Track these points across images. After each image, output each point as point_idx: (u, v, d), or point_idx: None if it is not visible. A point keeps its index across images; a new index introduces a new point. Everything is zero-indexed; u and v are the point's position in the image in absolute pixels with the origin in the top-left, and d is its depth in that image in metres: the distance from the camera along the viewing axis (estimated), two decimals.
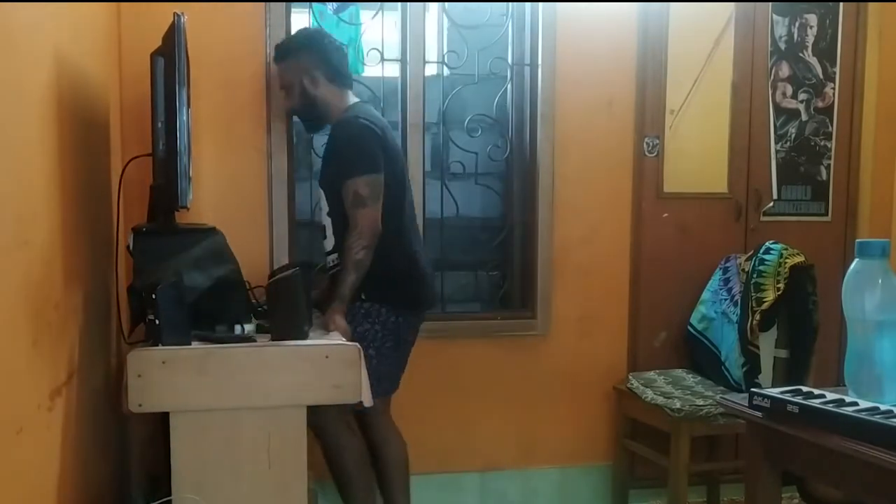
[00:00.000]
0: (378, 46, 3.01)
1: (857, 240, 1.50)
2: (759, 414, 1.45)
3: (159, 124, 1.94)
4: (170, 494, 1.81)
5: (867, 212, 3.31)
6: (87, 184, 2.01)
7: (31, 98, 1.57)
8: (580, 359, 3.13)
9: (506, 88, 3.15)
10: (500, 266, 3.28)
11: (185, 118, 1.93)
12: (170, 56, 1.92)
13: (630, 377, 3.01)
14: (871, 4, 3.27)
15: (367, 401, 2.01)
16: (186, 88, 2.40)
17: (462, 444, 3.08)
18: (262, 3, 2.79)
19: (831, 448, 1.31)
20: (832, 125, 3.30)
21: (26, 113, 1.53)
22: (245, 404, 1.84)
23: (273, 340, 1.90)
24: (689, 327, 3.07)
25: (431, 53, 3.09)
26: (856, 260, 1.46)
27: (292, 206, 2.91)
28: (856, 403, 1.35)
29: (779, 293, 2.74)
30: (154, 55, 1.97)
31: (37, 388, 1.55)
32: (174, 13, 1.95)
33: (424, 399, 3.02)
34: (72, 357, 1.81)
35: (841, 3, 3.27)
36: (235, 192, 2.82)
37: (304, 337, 1.93)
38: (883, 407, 1.30)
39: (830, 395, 1.40)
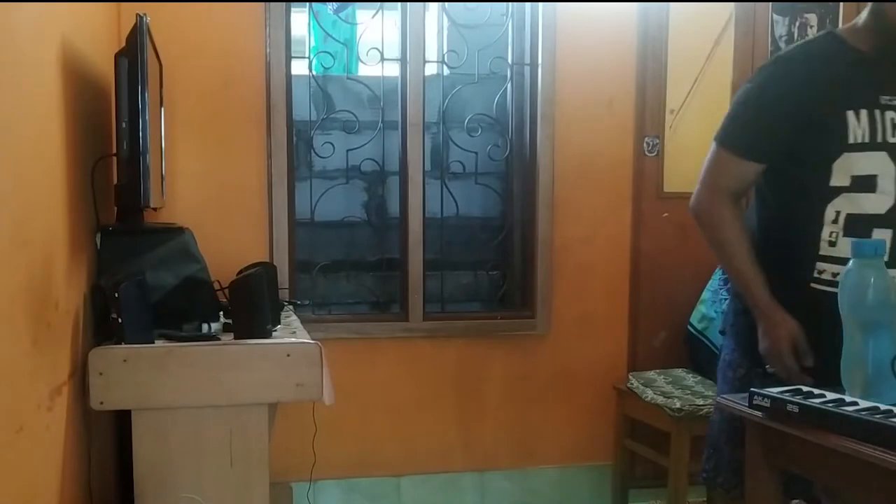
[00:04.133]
0: (378, 46, 3.01)
1: (853, 239, 1.51)
2: (759, 414, 1.45)
3: (123, 124, 1.94)
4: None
5: None
6: (87, 183, 2.00)
7: (33, 98, 1.57)
8: (580, 359, 3.13)
9: (506, 88, 3.15)
10: (500, 266, 3.29)
11: (147, 118, 1.94)
12: (133, 57, 1.93)
13: (630, 377, 3.00)
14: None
15: (329, 399, 1.99)
16: (159, 88, 2.43)
17: (462, 444, 3.08)
18: (262, 3, 2.79)
19: (831, 448, 1.31)
20: None
21: (27, 113, 1.53)
22: (207, 402, 1.84)
23: (236, 339, 1.90)
24: (689, 327, 3.07)
25: (431, 53, 3.09)
26: (851, 260, 1.47)
27: (292, 206, 2.91)
28: (856, 403, 1.35)
29: None
30: (118, 56, 1.97)
31: (37, 388, 1.55)
32: (136, 14, 1.95)
33: (424, 399, 3.02)
34: (72, 357, 1.81)
35: (841, 3, 3.27)
36: (235, 191, 2.82)
37: (267, 335, 1.93)
38: (883, 407, 1.30)
39: (830, 395, 1.40)
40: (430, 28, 3.10)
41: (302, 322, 2.36)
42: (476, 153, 3.14)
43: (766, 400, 1.43)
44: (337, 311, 3.15)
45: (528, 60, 3.10)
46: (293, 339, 1.96)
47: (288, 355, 1.88)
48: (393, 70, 3.03)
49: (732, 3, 3.16)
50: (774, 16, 3.21)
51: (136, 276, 1.85)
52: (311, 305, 3.00)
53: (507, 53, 3.14)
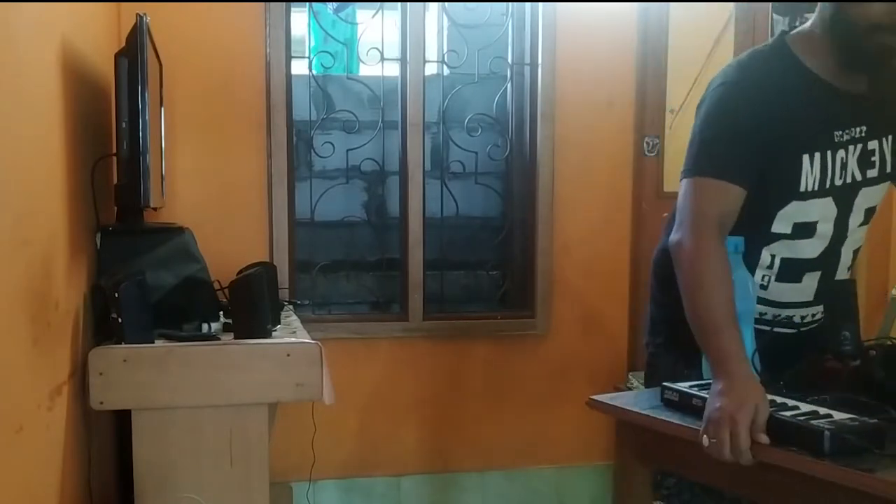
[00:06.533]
0: (378, 46, 3.01)
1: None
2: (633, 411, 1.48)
3: (123, 124, 1.95)
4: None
5: None
6: (87, 183, 2.00)
7: (33, 98, 1.57)
8: (580, 359, 3.13)
9: (506, 88, 3.15)
10: (500, 266, 3.29)
11: (147, 118, 1.94)
12: (133, 57, 1.93)
13: (630, 377, 3.00)
14: None
15: (329, 399, 1.99)
16: (159, 88, 2.43)
17: (462, 444, 3.08)
18: (262, 3, 2.79)
19: (678, 437, 1.36)
20: None
21: (27, 113, 1.53)
22: (207, 402, 1.84)
23: (236, 339, 1.90)
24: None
25: (431, 53, 3.09)
26: None
27: (292, 206, 2.91)
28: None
29: None
30: (118, 55, 1.97)
31: (37, 388, 1.55)
32: (137, 14, 1.95)
33: (425, 399, 3.02)
34: (72, 357, 1.82)
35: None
36: (235, 191, 2.82)
37: (267, 335, 1.93)
38: (779, 400, 1.32)
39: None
40: (430, 28, 3.10)
41: (302, 322, 2.36)
42: (476, 153, 3.14)
43: (675, 394, 1.44)
44: (337, 311, 3.15)
45: (528, 60, 3.10)
46: (293, 339, 1.96)
47: (288, 355, 1.88)
48: (393, 70, 3.03)
49: (732, 3, 3.16)
50: (774, 16, 3.21)
51: (136, 276, 1.85)
52: (311, 305, 3.00)
53: (507, 53, 3.14)
